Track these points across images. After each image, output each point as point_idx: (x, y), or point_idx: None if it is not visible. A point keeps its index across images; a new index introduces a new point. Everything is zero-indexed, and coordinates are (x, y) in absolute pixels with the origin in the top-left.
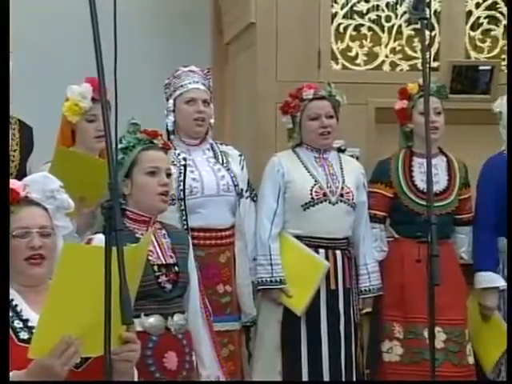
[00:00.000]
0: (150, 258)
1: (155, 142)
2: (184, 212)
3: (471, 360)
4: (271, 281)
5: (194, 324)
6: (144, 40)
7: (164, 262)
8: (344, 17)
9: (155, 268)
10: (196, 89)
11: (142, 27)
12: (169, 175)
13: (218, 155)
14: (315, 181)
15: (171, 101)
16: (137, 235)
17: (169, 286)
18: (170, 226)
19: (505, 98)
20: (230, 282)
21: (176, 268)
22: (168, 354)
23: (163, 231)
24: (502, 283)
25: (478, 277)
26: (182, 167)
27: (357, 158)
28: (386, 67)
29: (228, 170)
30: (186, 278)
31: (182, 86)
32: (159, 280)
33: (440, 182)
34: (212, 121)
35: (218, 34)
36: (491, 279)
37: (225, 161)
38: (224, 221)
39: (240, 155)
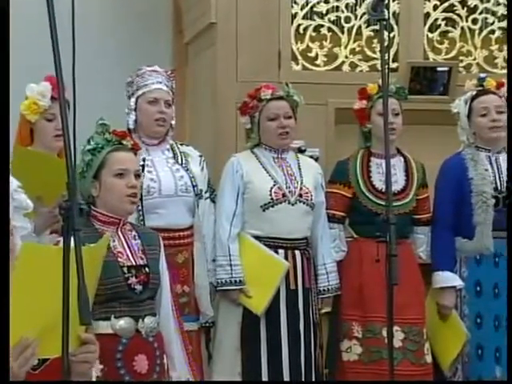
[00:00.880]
0: (119, 259)
1: (124, 142)
2: (141, 212)
3: (429, 359)
4: (231, 281)
5: (166, 326)
6: (103, 39)
7: (134, 264)
8: (304, 17)
9: (125, 270)
10: (159, 89)
11: (101, 26)
12: (138, 176)
13: (178, 156)
14: (274, 181)
15: (133, 99)
16: None
17: (139, 288)
18: (140, 227)
19: (463, 98)
20: (187, 282)
21: (147, 269)
22: (138, 356)
23: (133, 232)
24: (458, 283)
25: (436, 276)
26: (140, 167)
27: (316, 159)
28: (346, 68)
29: (187, 170)
30: (157, 279)
31: (145, 85)
32: (129, 281)
33: (398, 182)
34: (173, 122)
35: (178, 33)
36: (448, 279)
37: (184, 161)
38: (182, 221)
39: (200, 156)
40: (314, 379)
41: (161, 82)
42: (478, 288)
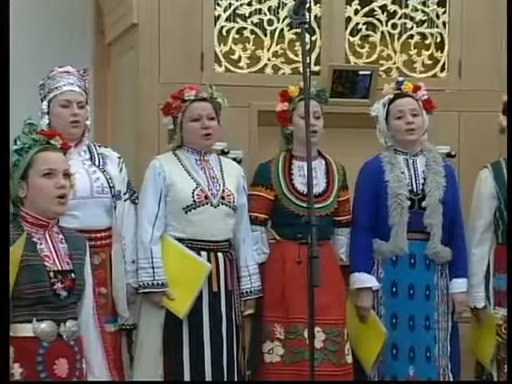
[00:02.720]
0: (46, 263)
1: (52, 142)
2: None
3: (349, 359)
4: (153, 284)
5: (86, 330)
6: (23, 41)
7: (60, 269)
8: (227, 20)
9: (51, 274)
10: (71, 91)
11: (20, 28)
12: (67, 176)
13: (95, 157)
14: (197, 184)
15: (45, 102)
16: (34, 239)
17: (64, 294)
18: (68, 230)
19: (381, 101)
20: (104, 284)
21: (72, 275)
22: (59, 360)
23: (60, 236)
24: (374, 284)
25: (353, 278)
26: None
27: (240, 161)
28: (269, 70)
29: (104, 171)
30: (82, 285)
31: (56, 87)
32: (54, 287)
33: (319, 184)
34: (88, 122)
35: (100, 34)
36: (365, 280)
37: (101, 163)
38: (98, 223)
39: (119, 157)
40: (235, 381)
41: (73, 84)
42: (394, 289)
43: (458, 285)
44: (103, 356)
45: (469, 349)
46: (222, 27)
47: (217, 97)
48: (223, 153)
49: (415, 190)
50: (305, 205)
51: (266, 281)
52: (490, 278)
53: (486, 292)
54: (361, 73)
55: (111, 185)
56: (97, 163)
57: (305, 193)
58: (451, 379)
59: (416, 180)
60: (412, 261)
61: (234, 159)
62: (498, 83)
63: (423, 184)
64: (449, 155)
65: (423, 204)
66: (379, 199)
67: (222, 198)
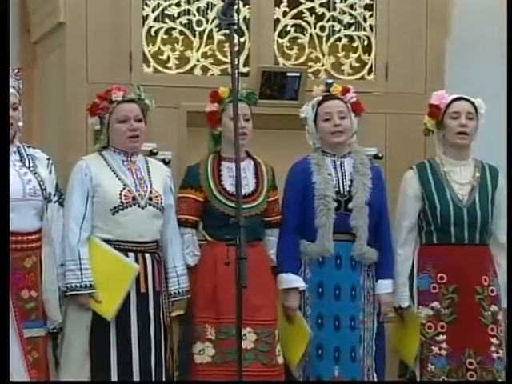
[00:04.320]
0: None
1: None
2: None
3: (280, 360)
4: (80, 286)
5: None
6: None
7: None
8: (155, 20)
9: None
10: None
11: None
12: None
13: (25, 159)
14: (124, 185)
15: None
16: None
17: None
18: None
19: (310, 103)
20: (35, 287)
21: None
22: None
23: None
24: (301, 284)
25: (280, 278)
26: None
27: (168, 162)
28: (198, 71)
29: (35, 173)
30: None
31: None
32: None
33: (248, 184)
34: (20, 124)
35: (25, 32)
36: (292, 280)
37: (32, 164)
38: (30, 225)
39: (48, 159)
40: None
41: None
42: (320, 289)
43: (384, 286)
44: (22, 360)
45: (392, 348)
46: (150, 27)
47: (144, 98)
48: (152, 153)
49: (342, 191)
50: (235, 205)
51: (198, 282)
52: (413, 278)
53: (410, 292)
54: (289, 74)
55: (43, 187)
56: (27, 165)
57: (234, 193)
58: (375, 379)
59: (343, 182)
60: (338, 262)
61: (163, 160)
62: (424, 86)
63: (350, 186)
64: (376, 157)
65: (349, 206)
66: (306, 200)
67: (150, 199)
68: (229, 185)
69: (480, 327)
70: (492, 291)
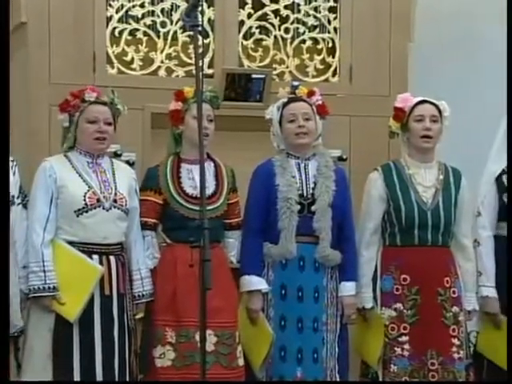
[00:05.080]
0: None
1: None
2: None
3: (241, 362)
4: (43, 288)
5: None
6: None
7: None
8: (119, 21)
9: None
10: None
11: None
12: None
13: None
14: (88, 187)
15: None
16: None
17: None
18: None
19: (275, 105)
20: None
21: None
22: None
23: None
24: (264, 286)
25: (243, 280)
26: None
27: (133, 163)
28: (162, 73)
29: None
30: None
31: None
32: None
33: (209, 186)
34: None
35: None
36: (255, 282)
37: None
38: None
39: (12, 160)
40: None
41: None
42: (283, 291)
43: (347, 288)
44: None
45: (356, 349)
46: (114, 28)
47: (117, 103)
48: (116, 155)
49: (305, 194)
50: (195, 207)
51: (157, 284)
52: (377, 280)
53: (374, 293)
54: (254, 76)
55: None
56: None
57: (194, 195)
58: (338, 380)
59: (306, 184)
60: (301, 264)
61: (127, 162)
62: (388, 88)
63: (313, 188)
64: (340, 159)
65: (312, 208)
66: (270, 203)
67: (114, 201)
68: (188, 187)
69: (442, 328)
70: (454, 292)
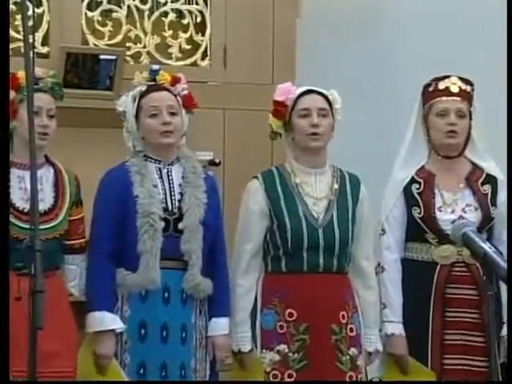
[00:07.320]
0: None
1: None
2: None
3: None
4: None
5: None
6: None
7: None
8: None
9: None
10: None
11: None
12: None
13: None
14: None
15: None
16: None
17: None
18: None
19: (130, 94)
20: None
21: None
22: None
23: None
24: (118, 325)
25: (90, 318)
26: None
27: None
28: None
29: None
30: None
31: None
32: None
33: (45, 199)
34: None
35: None
36: (105, 321)
37: None
38: None
39: None
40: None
41: None
42: (143, 331)
43: (219, 326)
44: None
45: None
46: None
47: None
48: None
49: (170, 208)
50: (26, 226)
51: None
52: (256, 315)
53: (252, 332)
54: (102, 57)
55: None
56: None
57: (25, 210)
58: None
59: (171, 196)
60: (166, 295)
61: None
62: (271, 75)
63: (179, 201)
64: (212, 163)
65: (180, 226)
66: (126, 219)
67: None
68: (18, 199)
69: (336, 375)
70: (351, 330)
